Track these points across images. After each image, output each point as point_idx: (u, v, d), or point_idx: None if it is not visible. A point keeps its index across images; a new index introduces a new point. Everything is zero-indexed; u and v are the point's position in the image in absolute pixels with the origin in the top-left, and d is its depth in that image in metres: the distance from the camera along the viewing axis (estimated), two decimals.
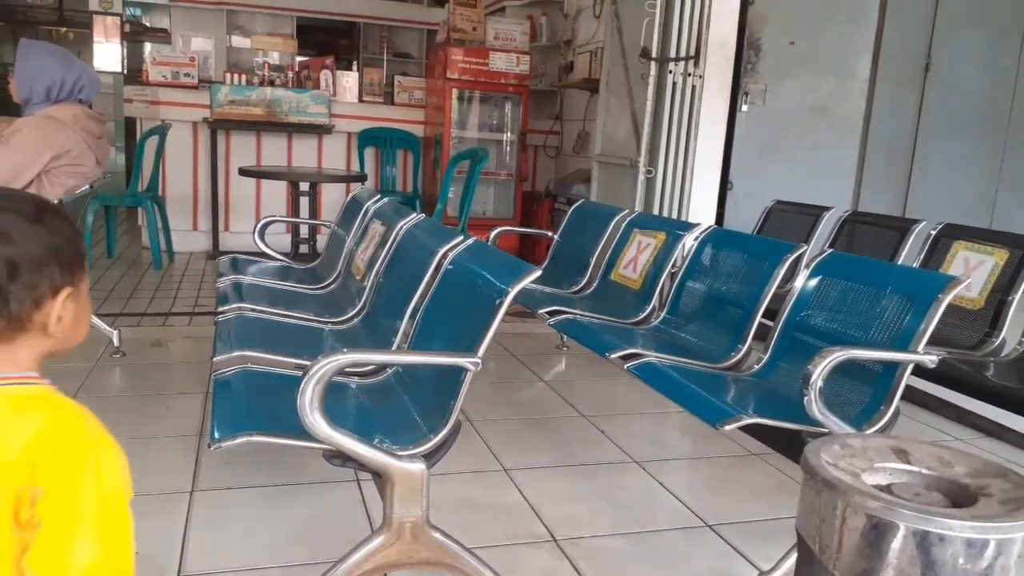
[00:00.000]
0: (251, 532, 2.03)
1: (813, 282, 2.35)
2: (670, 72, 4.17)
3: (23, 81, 3.07)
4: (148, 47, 8.58)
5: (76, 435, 0.88)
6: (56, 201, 2.63)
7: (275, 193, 5.81)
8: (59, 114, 3.06)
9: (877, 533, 0.98)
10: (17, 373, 0.91)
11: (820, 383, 1.78)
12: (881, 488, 1.08)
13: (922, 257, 3.18)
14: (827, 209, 3.78)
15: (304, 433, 1.53)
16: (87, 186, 3.09)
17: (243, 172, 5.01)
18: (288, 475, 2.33)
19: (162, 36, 8.64)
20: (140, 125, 5.82)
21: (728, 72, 4.37)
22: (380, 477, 1.67)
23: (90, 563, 0.84)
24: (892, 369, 1.98)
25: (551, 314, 2.89)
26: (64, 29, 10.36)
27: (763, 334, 2.48)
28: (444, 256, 2.21)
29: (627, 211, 3.47)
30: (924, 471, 1.12)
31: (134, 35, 8.64)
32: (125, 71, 8.28)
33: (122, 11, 8.41)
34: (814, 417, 1.80)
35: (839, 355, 1.82)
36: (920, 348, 1.94)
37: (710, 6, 4.14)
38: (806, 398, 1.79)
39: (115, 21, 8.48)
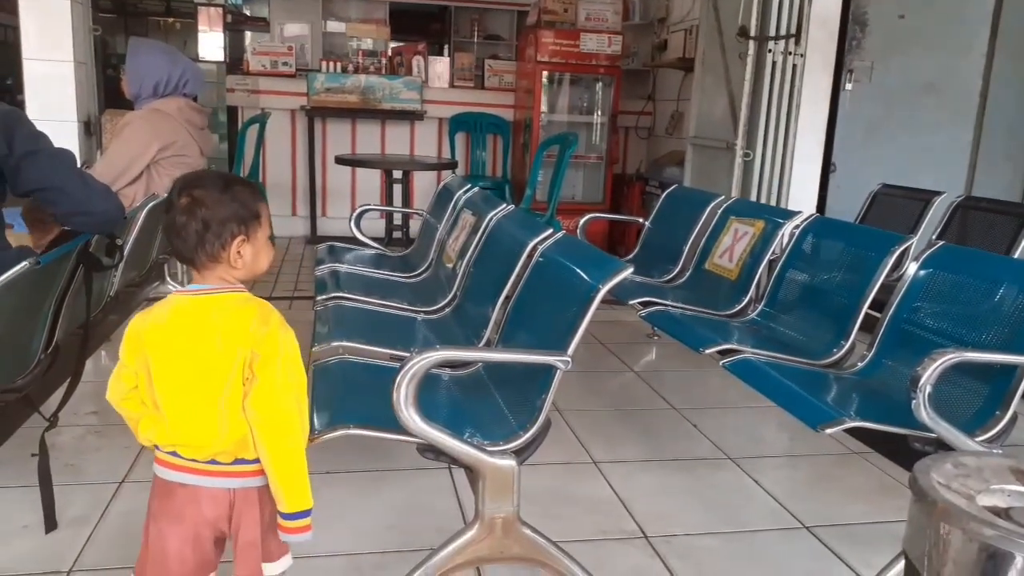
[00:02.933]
0: (347, 517, 2.10)
1: (923, 276, 2.23)
2: (769, 51, 4.02)
3: (133, 78, 3.23)
4: (248, 36, 8.86)
5: (274, 320, 1.34)
6: (164, 196, 2.75)
7: (370, 179, 5.93)
8: (165, 107, 3.21)
9: (994, 564, 0.93)
10: (230, 286, 1.36)
11: (929, 387, 1.69)
12: (998, 512, 1.01)
13: None
14: (938, 194, 3.57)
15: (399, 426, 1.56)
16: None
17: (339, 160, 5.14)
18: (382, 461, 2.39)
19: (261, 25, 8.91)
20: (241, 113, 6.04)
21: (831, 49, 4.18)
22: (472, 471, 1.70)
23: (287, 402, 1.31)
24: (1010, 371, 1.87)
25: (643, 305, 2.85)
26: (171, 19, 10.79)
27: (867, 328, 2.37)
28: (534, 249, 2.21)
29: (723, 197, 3.37)
30: None
31: (236, 24, 8.93)
32: (227, 60, 8.59)
33: (224, 1, 8.72)
34: (922, 422, 1.72)
35: (951, 357, 1.72)
36: None
37: None
38: (914, 402, 1.70)
39: (218, 11, 8.78)
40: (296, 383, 1.33)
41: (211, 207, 1.32)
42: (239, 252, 1.34)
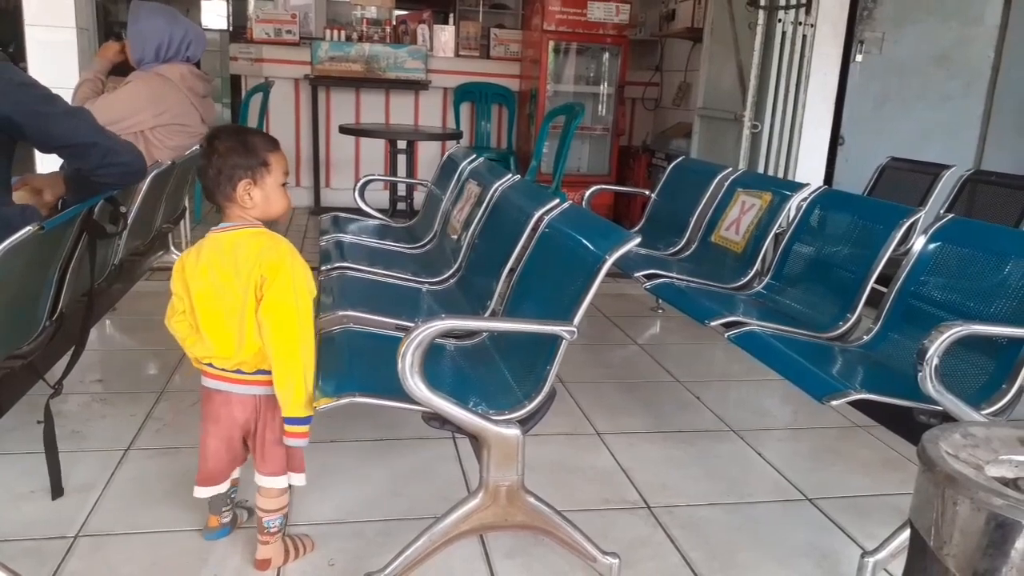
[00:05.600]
0: (352, 486, 2.11)
1: (931, 249, 2.22)
2: (779, 20, 3.97)
3: (136, 43, 3.18)
4: (252, 4, 8.76)
5: (283, 248, 1.60)
6: (168, 163, 2.74)
7: (374, 150, 5.90)
8: (168, 73, 3.17)
9: (1002, 533, 0.92)
10: (248, 223, 1.62)
11: (936, 359, 1.68)
12: (1007, 483, 1.01)
13: None
14: (946, 168, 3.54)
15: (404, 394, 1.56)
16: (197, 146, 3.20)
17: (343, 130, 5.10)
18: (386, 430, 2.40)
19: None
20: (245, 82, 5.99)
21: (842, 19, 4.12)
22: (476, 440, 1.70)
23: (289, 317, 1.55)
24: (1017, 344, 1.86)
25: (647, 277, 2.84)
26: None
27: (873, 301, 2.36)
28: (540, 219, 2.19)
29: (730, 169, 3.34)
30: None
31: None
32: (231, 28, 8.51)
33: None
34: (928, 395, 1.71)
35: (959, 330, 1.70)
36: None
37: None
38: (920, 374, 1.69)
39: None
40: (300, 304, 1.57)
41: (223, 155, 1.58)
42: (248, 194, 1.60)
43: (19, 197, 2.23)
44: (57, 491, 1.96)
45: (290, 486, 1.72)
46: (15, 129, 1.97)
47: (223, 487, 1.74)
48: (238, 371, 1.62)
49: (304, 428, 1.60)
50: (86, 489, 2.01)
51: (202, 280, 1.59)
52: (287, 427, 1.60)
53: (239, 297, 1.56)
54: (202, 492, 1.72)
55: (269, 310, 1.55)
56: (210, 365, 1.64)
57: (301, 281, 1.58)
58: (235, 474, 1.76)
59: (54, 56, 4.01)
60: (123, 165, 2.16)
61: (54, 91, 2.06)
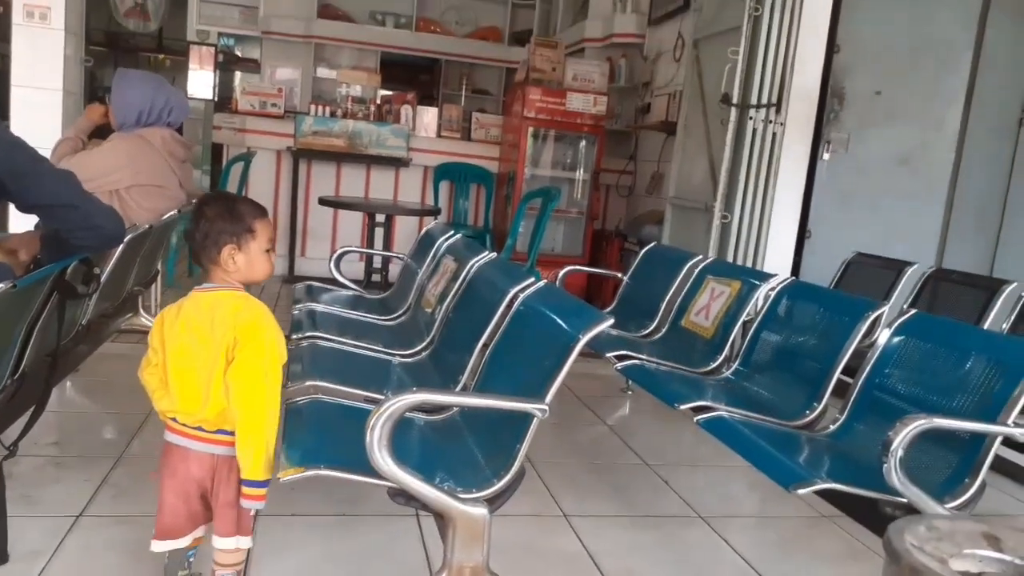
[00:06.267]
0: (311, 563, 2.05)
1: (895, 342, 2.27)
2: (750, 118, 4.13)
3: (118, 107, 3.21)
4: (238, 76, 8.94)
5: (259, 313, 1.64)
6: (145, 227, 2.74)
7: (351, 221, 5.95)
8: (149, 136, 3.20)
9: None
10: (230, 286, 1.67)
11: (901, 451, 1.70)
12: None
13: (1012, 321, 3.03)
14: (909, 264, 3.65)
15: (370, 468, 1.54)
16: (176, 211, 3.21)
17: (323, 201, 5.15)
18: (347, 505, 2.35)
19: (252, 66, 9.00)
20: (227, 151, 6.06)
21: (810, 120, 4.30)
22: (442, 518, 1.67)
23: (257, 381, 1.58)
24: (980, 439, 1.89)
25: (618, 358, 2.86)
26: (162, 56, 10.87)
27: (839, 391, 2.40)
28: (515, 297, 2.21)
29: (701, 256, 3.42)
30: (1017, 560, 1.05)
31: (227, 64, 9.03)
32: (216, 99, 8.65)
33: (217, 41, 8.82)
34: (893, 487, 1.73)
35: (922, 423, 1.74)
36: (1011, 419, 1.85)
37: (794, 54, 4.09)
38: (885, 466, 1.72)
39: (210, 51, 8.89)
40: (269, 369, 1.60)
41: (211, 220, 1.65)
42: (232, 259, 1.65)
43: None
44: (2, 557, 1.88)
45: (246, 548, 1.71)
46: (1, 186, 1.97)
47: (181, 542, 1.70)
48: (199, 428, 1.64)
49: (261, 491, 1.61)
50: (33, 556, 1.93)
51: (178, 336, 1.63)
52: (245, 489, 1.60)
53: (211, 356, 1.59)
54: (158, 546, 1.68)
55: (238, 372, 1.58)
56: (174, 420, 1.66)
57: (273, 347, 1.61)
58: (198, 533, 1.72)
59: (38, 117, 4.05)
60: (101, 229, 2.15)
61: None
